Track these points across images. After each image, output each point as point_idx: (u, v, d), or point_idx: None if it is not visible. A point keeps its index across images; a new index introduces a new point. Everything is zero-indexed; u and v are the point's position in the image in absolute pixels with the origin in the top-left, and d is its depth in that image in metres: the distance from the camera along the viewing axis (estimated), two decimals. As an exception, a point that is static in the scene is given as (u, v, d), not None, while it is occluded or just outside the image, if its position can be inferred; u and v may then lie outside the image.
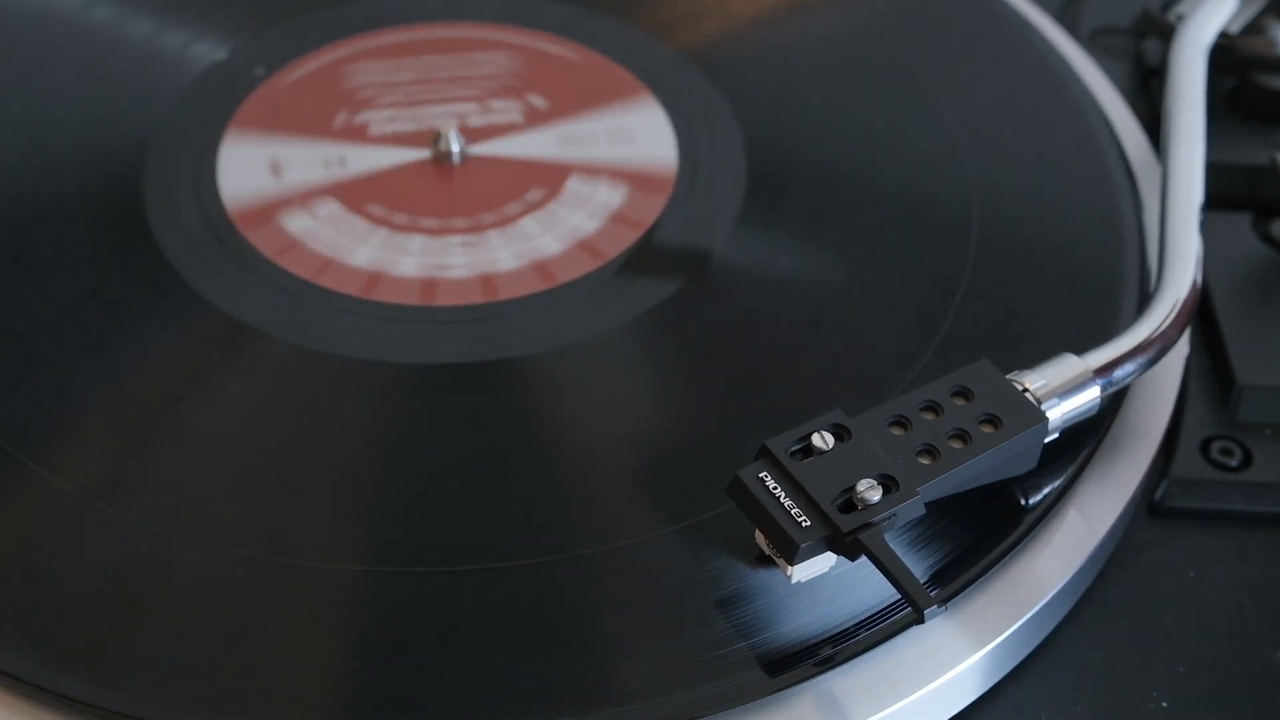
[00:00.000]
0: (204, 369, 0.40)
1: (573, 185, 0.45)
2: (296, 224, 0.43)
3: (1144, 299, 0.42)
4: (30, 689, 0.33)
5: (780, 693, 0.33)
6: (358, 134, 0.46)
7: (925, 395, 0.35)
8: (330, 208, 0.44)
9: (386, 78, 0.48)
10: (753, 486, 0.33)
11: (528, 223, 0.44)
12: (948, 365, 0.39)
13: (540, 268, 0.42)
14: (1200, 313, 0.43)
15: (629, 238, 0.43)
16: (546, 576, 0.35)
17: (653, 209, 0.44)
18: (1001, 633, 0.35)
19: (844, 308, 0.41)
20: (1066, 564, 0.36)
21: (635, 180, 0.45)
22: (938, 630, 0.35)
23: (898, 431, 0.34)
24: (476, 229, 0.44)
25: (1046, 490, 0.37)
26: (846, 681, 0.34)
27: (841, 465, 0.33)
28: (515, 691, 0.33)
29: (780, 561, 0.33)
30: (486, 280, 0.42)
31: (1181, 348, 0.41)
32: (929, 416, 0.35)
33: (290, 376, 0.39)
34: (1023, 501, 0.36)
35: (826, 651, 0.33)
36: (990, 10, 0.51)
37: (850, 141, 0.47)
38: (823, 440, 0.33)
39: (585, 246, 0.43)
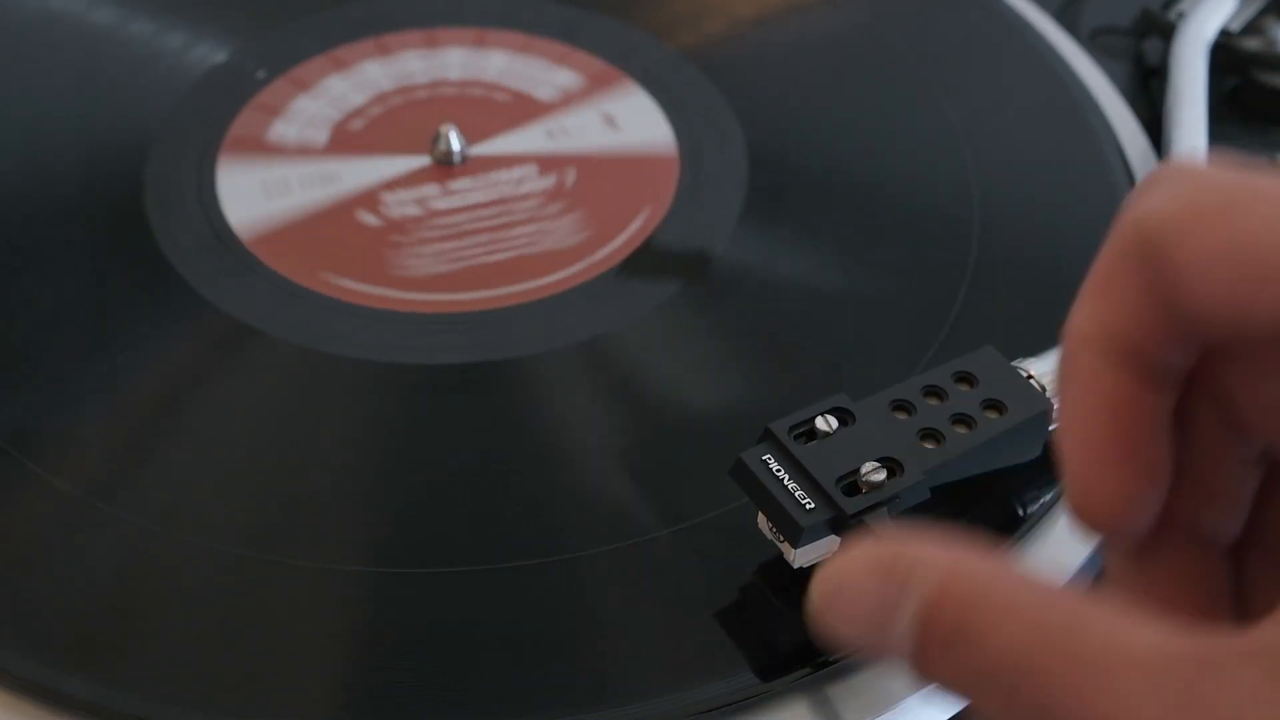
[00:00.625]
0: (204, 369, 0.40)
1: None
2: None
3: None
4: (30, 689, 0.33)
5: (780, 693, 0.33)
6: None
7: (928, 380, 0.35)
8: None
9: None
10: (755, 468, 0.33)
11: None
12: (948, 365, 0.39)
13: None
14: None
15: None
16: (545, 577, 0.35)
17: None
18: (1001, 632, 0.35)
19: (845, 308, 0.41)
20: (1066, 564, 0.36)
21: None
22: (938, 630, 0.34)
23: (901, 416, 0.34)
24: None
25: (1046, 490, 0.37)
26: (846, 681, 0.34)
27: (845, 448, 0.33)
28: (515, 691, 0.33)
29: (784, 545, 0.33)
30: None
31: (1181, 347, 0.41)
32: (932, 401, 0.34)
33: (291, 377, 0.39)
34: (1022, 502, 0.36)
35: (826, 652, 0.33)
36: (990, 10, 0.51)
37: (850, 141, 0.47)
38: (826, 423, 0.33)
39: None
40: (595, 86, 0.48)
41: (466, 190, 0.45)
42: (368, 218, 0.44)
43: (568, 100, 0.48)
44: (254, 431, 0.38)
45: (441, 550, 0.35)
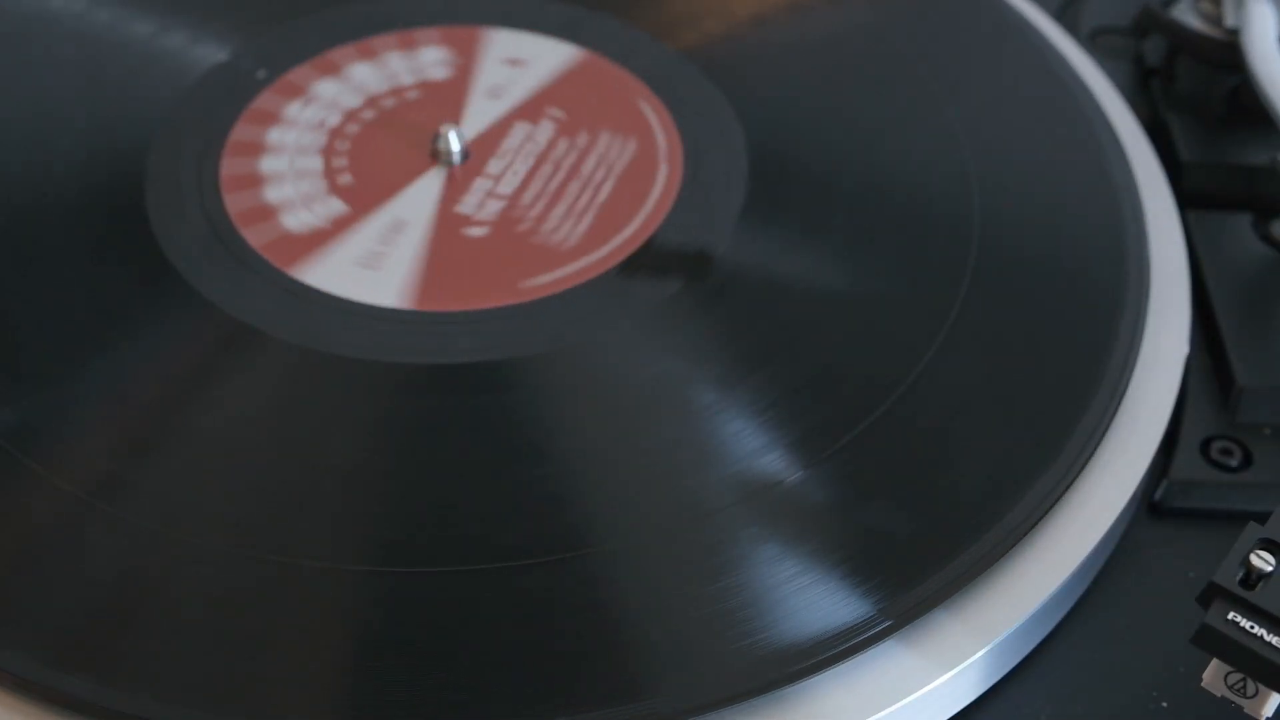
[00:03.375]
0: (205, 369, 0.40)
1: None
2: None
3: (1144, 298, 0.42)
4: (30, 689, 0.33)
5: (780, 692, 0.33)
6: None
7: None
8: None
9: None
10: (1228, 631, 0.31)
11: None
12: (948, 365, 0.39)
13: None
14: (1200, 313, 0.43)
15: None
16: (546, 577, 0.35)
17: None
18: (1001, 633, 0.35)
19: (845, 307, 0.41)
20: (1067, 563, 0.36)
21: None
22: (938, 630, 0.35)
23: None
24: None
25: (1046, 490, 0.37)
26: (847, 681, 0.34)
27: None
28: (514, 691, 0.33)
29: (1253, 700, 0.32)
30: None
31: (1181, 347, 0.41)
32: None
33: (291, 377, 0.39)
34: (1023, 501, 0.36)
35: (827, 651, 0.33)
36: (990, 10, 0.51)
37: (851, 141, 0.47)
38: (1263, 561, 0.32)
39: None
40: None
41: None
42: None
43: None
44: (254, 431, 0.38)
45: (441, 550, 0.35)
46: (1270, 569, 0.32)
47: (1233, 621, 0.31)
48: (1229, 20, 0.48)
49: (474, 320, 0.41)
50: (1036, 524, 0.36)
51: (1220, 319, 0.43)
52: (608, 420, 0.38)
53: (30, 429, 0.38)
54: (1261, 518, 0.35)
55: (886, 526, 0.36)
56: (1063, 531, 0.37)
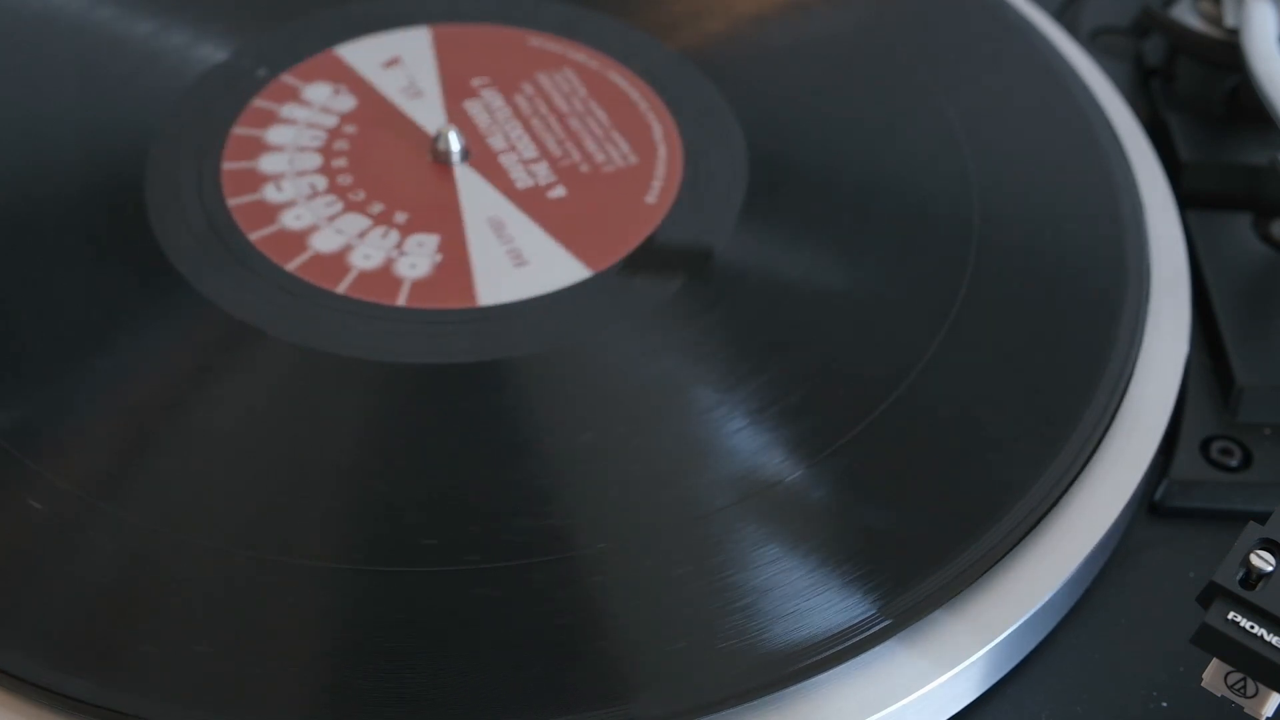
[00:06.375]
0: (204, 369, 0.40)
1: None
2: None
3: (1144, 298, 0.42)
4: (31, 689, 0.33)
5: (779, 692, 0.33)
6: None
7: None
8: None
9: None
10: (1228, 630, 0.31)
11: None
12: (948, 365, 0.39)
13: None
14: (1200, 313, 0.43)
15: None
16: (545, 576, 0.35)
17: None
18: (1001, 633, 0.35)
19: (845, 307, 0.41)
20: (1067, 563, 0.36)
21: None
22: (938, 630, 0.35)
23: None
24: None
25: (1046, 490, 0.37)
26: (847, 681, 0.34)
27: None
28: (513, 691, 0.33)
29: (1253, 700, 0.32)
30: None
31: (1181, 347, 0.41)
32: None
33: (291, 376, 0.39)
34: (1023, 501, 0.37)
35: (827, 651, 0.33)
36: (990, 10, 0.51)
37: (850, 141, 0.47)
38: (1264, 560, 0.32)
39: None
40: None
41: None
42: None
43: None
44: (254, 431, 0.38)
45: (442, 549, 0.35)
46: (1270, 569, 0.32)
47: (1233, 621, 0.31)
48: (1229, 20, 0.48)
49: (473, 320, 0.41)
50: (1036, 524, 0.36)
51: (1220, 319, 0.43)
52: (607, 420, 0.38)
53: (30, 428, 0.38)
54: (1261, 518, 0.35)
55: (886, 526, 0.36)
56: (1063, 531, 0.37)
